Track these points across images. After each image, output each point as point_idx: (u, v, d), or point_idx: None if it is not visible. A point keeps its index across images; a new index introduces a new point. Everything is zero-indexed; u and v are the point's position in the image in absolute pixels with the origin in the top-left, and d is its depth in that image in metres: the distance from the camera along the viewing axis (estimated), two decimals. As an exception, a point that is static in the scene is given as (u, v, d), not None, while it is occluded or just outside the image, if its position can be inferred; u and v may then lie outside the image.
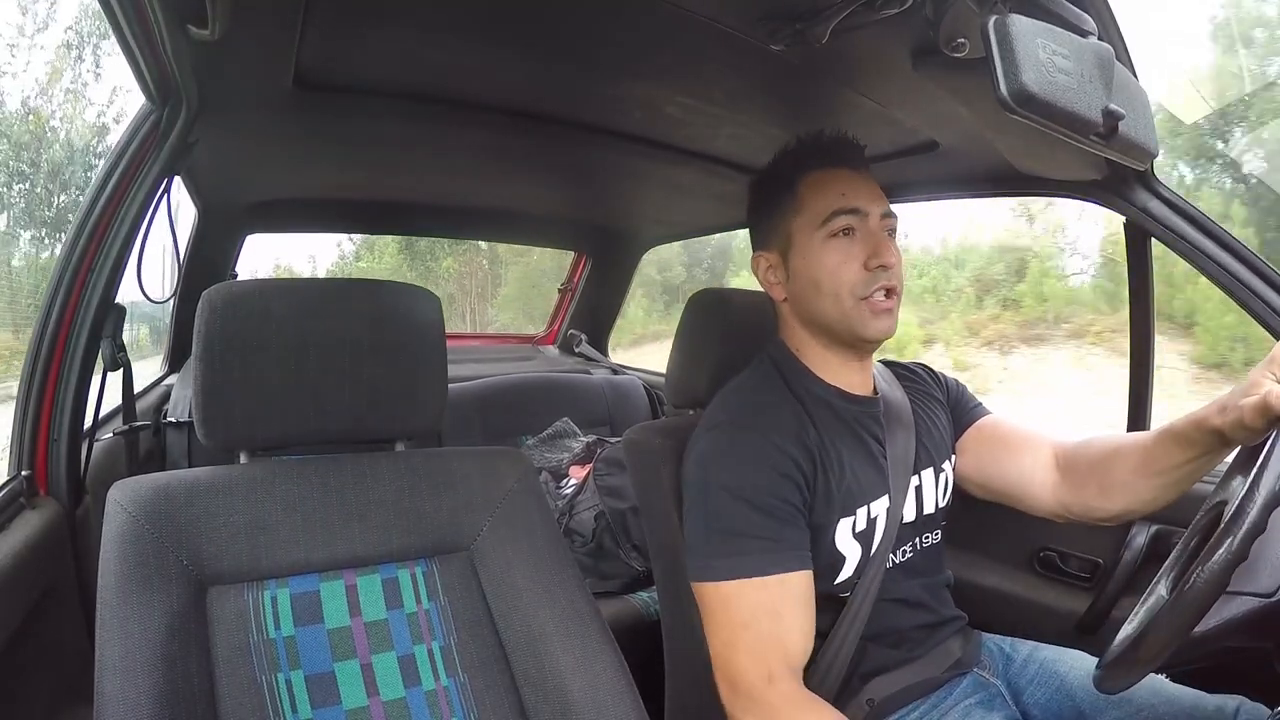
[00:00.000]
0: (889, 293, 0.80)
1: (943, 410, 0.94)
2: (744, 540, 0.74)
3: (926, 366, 1.00)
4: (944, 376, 0.99)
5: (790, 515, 0.75)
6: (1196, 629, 0.57)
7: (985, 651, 0.90)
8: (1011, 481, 0.89)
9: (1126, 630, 0.63)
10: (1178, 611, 0.55)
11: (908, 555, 0.85)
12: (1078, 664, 0.86)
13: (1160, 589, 0.62)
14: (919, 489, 0.87)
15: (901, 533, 0.84)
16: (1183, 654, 0.61)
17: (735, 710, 0.73)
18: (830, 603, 0.80)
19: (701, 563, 0.76)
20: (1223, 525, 0.54)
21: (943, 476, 0.90)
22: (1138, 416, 1.14)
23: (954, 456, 0.93)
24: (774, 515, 0.74)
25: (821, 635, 0.80)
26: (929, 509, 0.87)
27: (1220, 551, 0.53)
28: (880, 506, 0.81)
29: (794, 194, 0.83)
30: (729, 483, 0.76)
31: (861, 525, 0.80)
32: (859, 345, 0.84)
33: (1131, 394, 1.14)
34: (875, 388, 0.89)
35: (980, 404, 0.97)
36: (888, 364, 0.97)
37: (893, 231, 0.83)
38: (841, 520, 0.79)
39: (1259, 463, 0.57)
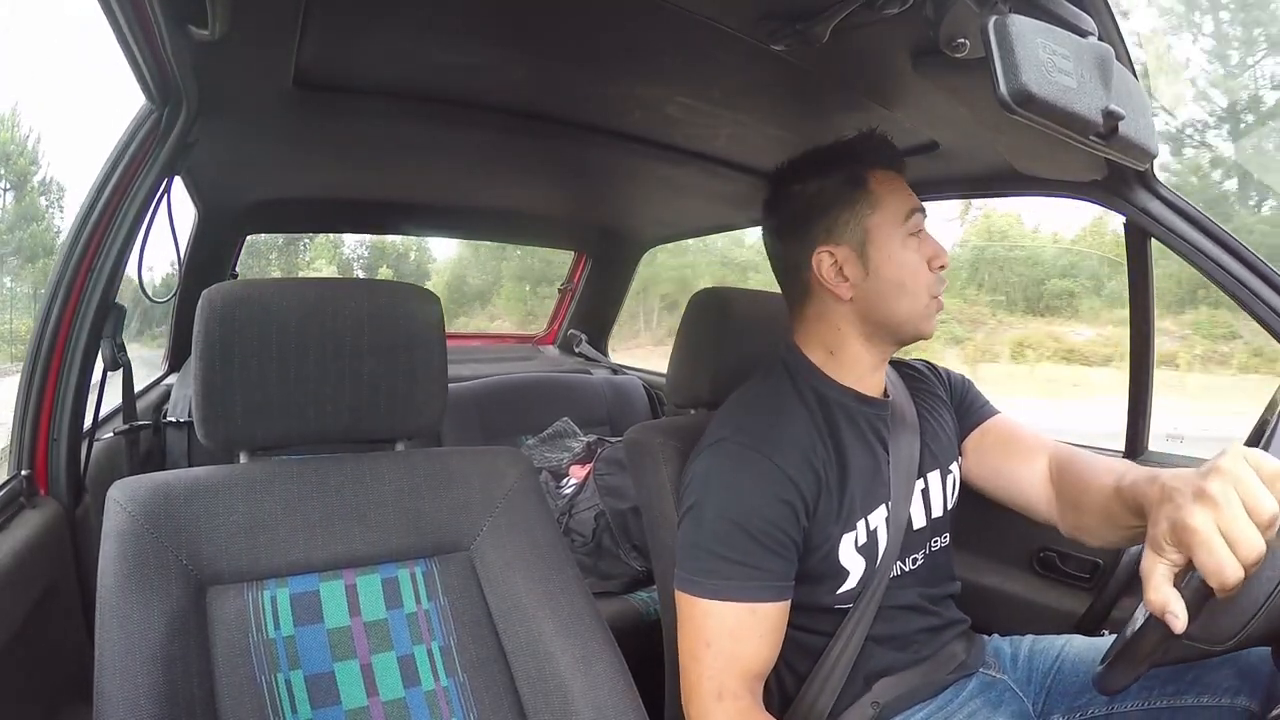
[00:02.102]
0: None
1: (947, 410, 0.93)
2: (728, 564, 0.74)
3: (930, 364, 0.99)
4: (948, 374, 0.98)
5: (780, 544, 0.75)
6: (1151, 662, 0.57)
7: (989, 652, 0.90)
8: (1014, 490, 0.88)
9: (1139, 614, 0.63)
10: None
11: (918, 562, 0.85)
12: (1080, 642, 0.87)
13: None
14: (925, 492, 0.86)
15: (911, 539, 0.83)
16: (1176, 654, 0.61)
17: (689, 715, 0.76)
18: (833, 611, 0.80)
19: (684, 574, 0.77)
20: None
21: (949, 478, 0.89)
22: (1138, 416, 1.14)
23: (960, 458, 0.92)
24: (763, 544, 0.74)
25: (826, 637, 0.80)
26: (937, 512, 0.87)
27: None
28: (879, 517, 0.81)
29: (867, 189, 0.81)
30: (726, 503, 0.76)
31: (863, 539, 0.79)
32: (908, 343, 0.85)
33: (1131, 394, 1.14)
34: (885, 390, 0.89)
35: (988, 404, 0.96)
36: (893, 363, 0.96)
37: None
38: (845, 535, 0.78)
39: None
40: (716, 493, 0.77)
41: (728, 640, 0.73)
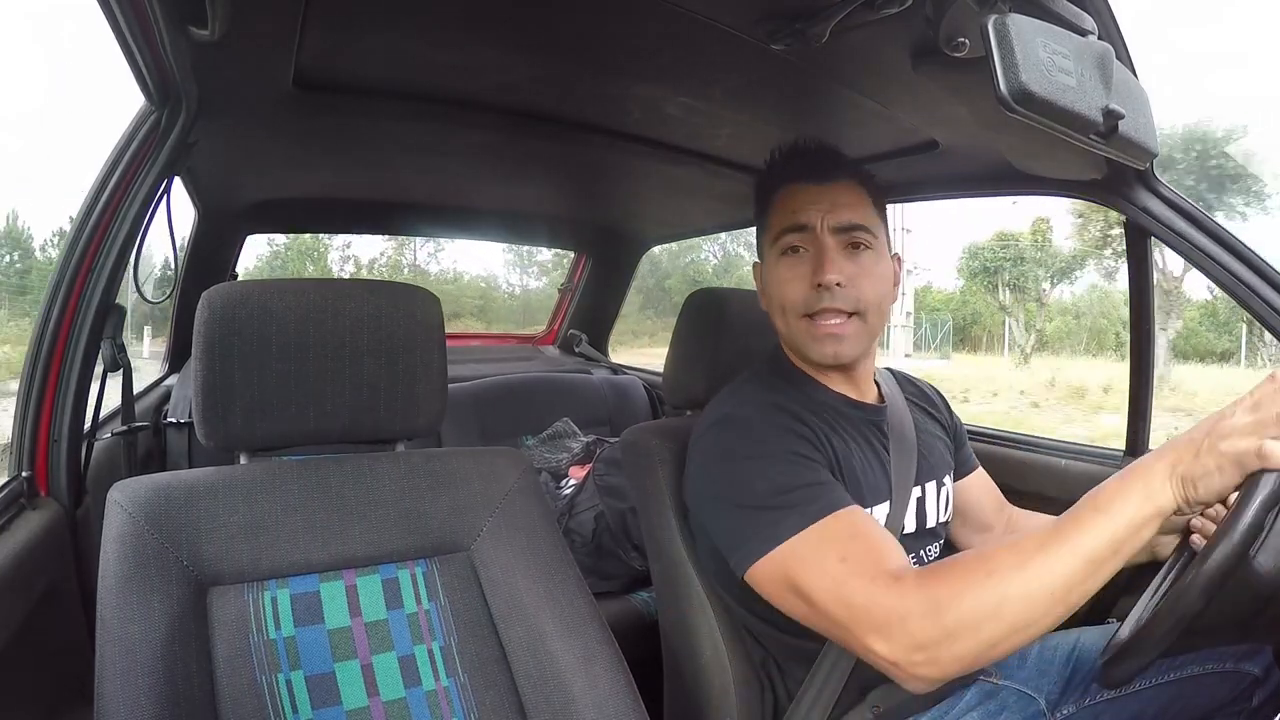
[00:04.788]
0: (840, 314, 0.78)
1: (944, 432, 0.96)
2: (791, 494, 0.68)
3: (937, 390, 1.02)
4: (949, 408, 1.02)
5: (825, 464, 0.74)
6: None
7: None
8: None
9: (1141, 608, 0.63)
10: (1179, 602, 0.55)
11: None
12: (1094, 632, 0.88)
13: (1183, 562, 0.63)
14: (921, 500, 0.86)
15: (905, 544, 0.83)
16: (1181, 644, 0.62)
17: (897, 643, 0.59)
18: None
19: (766, 539, 0.68)
20: (1224, 518, 0.54)
21: (944, 490, 0.90)
22: (1138, 416, 1.14)
23: (951, 474, 0.93)
24: (809, 466, 0.72)
25: (820, 642, 0.79)
26: (930, 523, 0.87)
27: (1218, 549, 0.53)
28: (882, 511, 0.81)
29: (767, 209, 0.85)
30: (752, 453, 0.73)
31: None
32: (818, 363, 0.83)
33: (1131, 394, 1.14)
34: (881, 395, 0.90)
35: (971, 458, 1.01)
36: (895, 374, 0.98)
37: (857, 244, 0.80)
38: None
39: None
40: (738, 454, 0.73)
41: (853, 541, 0.65)
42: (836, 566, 0.64)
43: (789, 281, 0.80)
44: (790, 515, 0.68)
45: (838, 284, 0.77)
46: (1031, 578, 0.54)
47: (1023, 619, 0.55)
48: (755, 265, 0.90)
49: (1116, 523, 0.53)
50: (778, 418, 0.76)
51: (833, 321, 0.78)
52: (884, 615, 0.59)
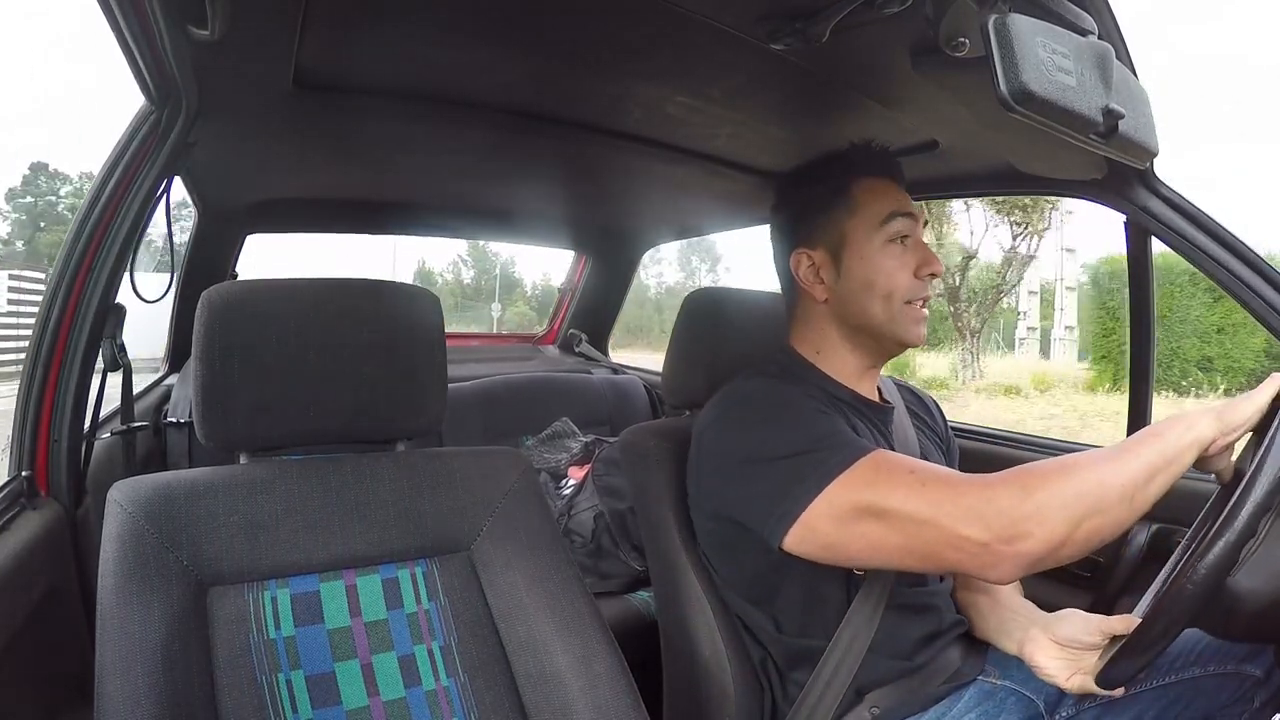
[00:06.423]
0: (925, 301, 0.84)
1: (938, 444, 0.97)
2: (831, 438, 0.72)
3: (936, 403, 1.02)
4: (946, 422, 1.03)
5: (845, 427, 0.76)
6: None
7: (988, 659, 0.89)
8: None
9: (1139, 607, 0.65)
10: (1178, 597, 0.55)
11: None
12: None
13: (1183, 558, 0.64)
14: None
15: None
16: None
17: (991, 521, 0.62)
18: (837, 606, 0.80)
19: (804, 485, 0.68)
20: (1228, 509, 0.55)
21: None
22: (1138, 415, 1.14)
23: None
24: (837, 422, 0.75)
25: (824, 640, 0.80)
26: None
27: (1224, 535, 0.53)
28: None
29: (848, 195, 0.85)
30: (776, 415, 0.75)
31: None
32: (893, 350, 0.86)
33: (1132, 393, 1.14)
34: (883, 397, 0.91)
35: None
36: (896, 382, 0.99)
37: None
38: None
39: (1265, 443, 0.57)
40: (769, 422, 0.75)
41: (913, 461, 0.71)
42: (909, 476, 0.67)
43: (899, 270, 0.83)
44: (835, 454, 0.69)
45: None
46: (1105, 472, 0.61)
47: (1101, 503, 0.61)
48: (801, 254, 0.87)
49: (1166, 443, 0.62)
50: (794, 392, 0.79)
51: (926, 309, 0.85)
52: (972, 500, 0.63)
